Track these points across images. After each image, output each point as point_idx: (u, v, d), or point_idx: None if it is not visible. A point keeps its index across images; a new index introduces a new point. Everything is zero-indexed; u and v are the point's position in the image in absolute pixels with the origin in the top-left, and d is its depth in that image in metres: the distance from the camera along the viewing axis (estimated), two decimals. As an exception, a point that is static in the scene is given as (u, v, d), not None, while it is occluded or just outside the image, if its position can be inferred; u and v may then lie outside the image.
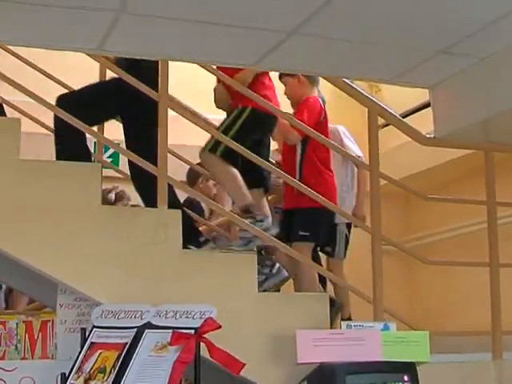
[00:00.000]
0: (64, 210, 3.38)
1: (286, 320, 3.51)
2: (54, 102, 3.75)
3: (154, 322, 3.19)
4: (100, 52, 3.43)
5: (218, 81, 4.43)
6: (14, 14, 2.95)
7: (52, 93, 3.98)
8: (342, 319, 4.50)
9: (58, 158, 3.88)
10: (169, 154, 3.75)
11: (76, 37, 3.21)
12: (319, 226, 4.60)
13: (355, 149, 5.06)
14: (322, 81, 4.09)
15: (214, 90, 4.52)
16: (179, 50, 3.39)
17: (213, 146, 4.17)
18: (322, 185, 4.54)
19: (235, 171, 4.14)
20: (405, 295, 7.01)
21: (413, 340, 3.44)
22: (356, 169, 5.10)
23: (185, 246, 3.55)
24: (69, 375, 3.17)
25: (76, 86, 4.27)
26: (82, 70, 4.11)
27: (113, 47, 3.30)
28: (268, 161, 4.36)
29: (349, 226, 4.96)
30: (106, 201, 5.28)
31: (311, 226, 4.56)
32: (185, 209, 4.07)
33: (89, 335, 3.27)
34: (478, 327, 4.36)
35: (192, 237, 3.86)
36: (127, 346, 3.12)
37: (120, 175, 4.98)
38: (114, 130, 4.28)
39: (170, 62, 3.71)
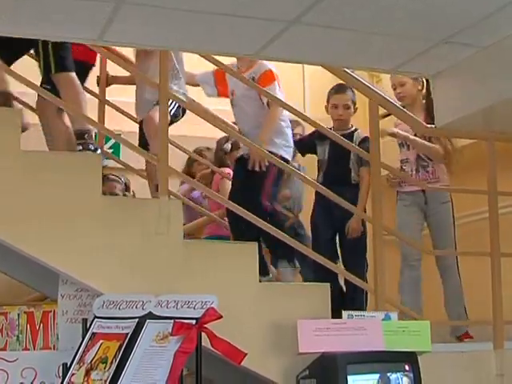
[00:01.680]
0: (65, 201, 3.38)
1: (287, 310, 3.51)
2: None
3: (155, 312, 3.19)
4: (101, 42, 3.41)
5: None
6: (12, 4, 2.94)
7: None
8: None
9: None
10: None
11: (76, 27, 3.19)
12: None
13: None
14: (322, 70, 4.06)
15: None
16: (180, 39, 3.38)
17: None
18: None
19: (83, 94, 3.93)
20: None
21: (414, 329, 3.44)
22: None
23: None
24: (70, 365, 3.17)
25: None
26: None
27: (113, 37, 3.29)
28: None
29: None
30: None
31: None
32: None
33: (90, 325, 3.28)
34: (480, 317, 4.36)
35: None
36: (129, 336, 3.13)
37: (121, 166, 4.98)
38: (114, 120, 4.27)
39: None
